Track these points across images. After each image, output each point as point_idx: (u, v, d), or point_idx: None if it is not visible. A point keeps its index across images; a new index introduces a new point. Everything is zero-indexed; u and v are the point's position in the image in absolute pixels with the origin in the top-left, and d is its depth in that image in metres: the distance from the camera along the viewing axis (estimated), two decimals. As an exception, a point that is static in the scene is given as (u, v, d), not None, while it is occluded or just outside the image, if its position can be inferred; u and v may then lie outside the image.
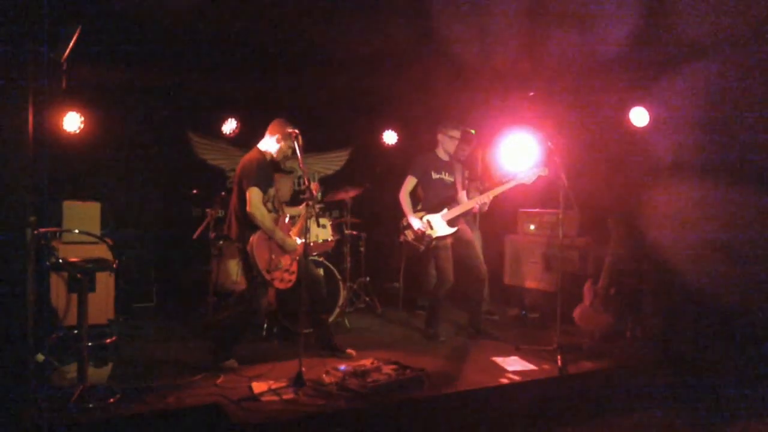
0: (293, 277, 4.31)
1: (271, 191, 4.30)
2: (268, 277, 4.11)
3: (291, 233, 4.43)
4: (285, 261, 4.25)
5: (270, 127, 4.36)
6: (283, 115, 4.41)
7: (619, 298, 5.23)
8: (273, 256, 4.15)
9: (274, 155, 4.35)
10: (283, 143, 4.31)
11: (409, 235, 5.19)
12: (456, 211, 5.18)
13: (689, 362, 4.73)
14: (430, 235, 5.09)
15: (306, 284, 4.18)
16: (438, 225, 5.13)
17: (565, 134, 5.76)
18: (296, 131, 4.19)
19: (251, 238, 4.09)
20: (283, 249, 4.23)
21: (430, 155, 5.35)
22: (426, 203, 5.26)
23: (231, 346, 4.28)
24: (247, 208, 4.06)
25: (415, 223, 5.12)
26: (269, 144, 4.34)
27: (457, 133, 5.29)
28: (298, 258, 4.33)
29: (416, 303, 6.38)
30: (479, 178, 6.64)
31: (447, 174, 5.29)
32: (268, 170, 4.29)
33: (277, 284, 4.21)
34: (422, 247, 5.13)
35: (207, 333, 5.04)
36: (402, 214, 5.24)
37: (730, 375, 4.57)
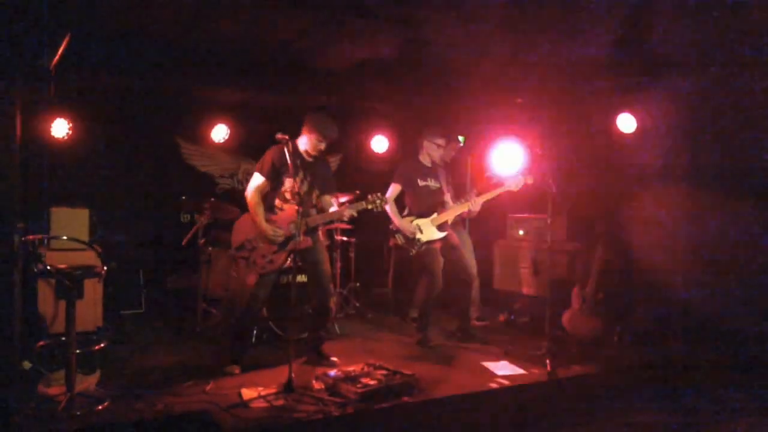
0: (270, 266, 4.29)
1: (289, 182, 4.34)
2: (236, 254, 4.31)
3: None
4: (267, 248, 4.29)
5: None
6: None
7: (607, 303, 5.27)
8: (251, 238, 4.30)
9: (308, 150, 4.43)
10: (307, 134, 4.43)
11: (399, 239, 5.20)
12: (446, 215, 5.20)
13: (677, 366, 4.78)
14: (420, 240, 5.11)
15: (312, 288, 4.44)
16: (428, 229, 5.15)
17: (552, 140, 5.82)
18: (287, 137, 4.19)
19: (241, 216, 4.40)
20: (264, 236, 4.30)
21: (414, 162, 5.36)
22: (413, 209, 5.27)
23: (238, 352, 4.33)
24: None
25: (405, 227, 5.14)
26: (302, 139, 4.47)
27: (442, 141, 5.31)
28: (283, 250, 4.30)
29: (408, 315, 6.27)
30: (470, 184, 6.67)
31: (432, 180, 5.30)
32: (279, 160, 4.32)
33: (253, 268, 4.29)
34: (413, 251, 5.15)
35: (218, 335, 5.09)
36: (390, 220, 5.26)
37: (718, 378, 4.62)
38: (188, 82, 6.00)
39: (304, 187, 4.39)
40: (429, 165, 5.36)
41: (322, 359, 4.51)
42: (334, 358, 4.52)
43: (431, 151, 5.31)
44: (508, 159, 5.92)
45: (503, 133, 6.31)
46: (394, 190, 5.25)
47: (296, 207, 4.23)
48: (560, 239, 6.01)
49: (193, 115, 6.63)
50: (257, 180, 4.34)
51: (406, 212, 5.29)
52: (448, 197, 5.35)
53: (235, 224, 4.42)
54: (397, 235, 5.22)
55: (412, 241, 5.12)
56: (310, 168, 4.46)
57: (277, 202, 4.40)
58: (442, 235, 5.16)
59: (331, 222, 5.84)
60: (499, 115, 6.66)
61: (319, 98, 6.69)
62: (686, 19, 4.21)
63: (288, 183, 4.36)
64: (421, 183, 5.26)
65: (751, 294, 5.00)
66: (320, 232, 5.64)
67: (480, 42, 4.81)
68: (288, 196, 4.37)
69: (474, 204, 5.16)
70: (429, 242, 5.13)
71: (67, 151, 5.83)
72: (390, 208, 5.19)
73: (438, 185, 5.32)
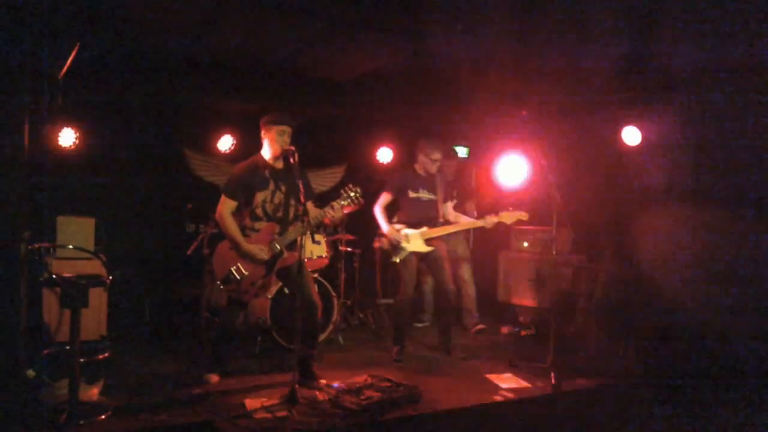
0: (262, 292, 4.23)
1: (261, 196, 4.17)
2: (223, 287, 4.13)
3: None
4: (255, 273, 4.13)
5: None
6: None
7: (612, 316, 5.24)
8: (234, 268, 4.09)
9: (272, 153, 4.26)
10: (266, 135, 4.25)
11: (384, 243, 5.16)
12: (438, 231, 5.10)
13: (683, 379, 4.74)
14: (404, 248, 5.02)
15: (300, 304, 4.00)
16: (415, 241, 5.04)
17: (557, 152, 5.82)
18: (293, 148, 4.18)
19: (218, 246, 4.16)
20: (250, 259, 4.10)
21: (408, 172, 5.25)
22: (401, 218, 5.18)
23: (215, 362, 4.28)
24: (216, 214, 4.14)
25: (391, 234, 5.04)
26: (264, 147, 4.31)
27: (438, 155, 5.11)
28: (272, 272, 4.20)
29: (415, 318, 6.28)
30: (474, 195, 6.68)
31: (425, 191, 5.16)
32: (250, 176, 4.19)
33: (245, 297, 4.18)
34: (396, 258, 5.04)
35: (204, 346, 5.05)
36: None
37: (722, 393, 4.58)
38: (196, 92, 6.04)
39: (277, 199, 4.21)
40: (425, 175, 5.20)
41: (309, 380, 4.15)
42: (322, 381, 4.13)
43: (427, 166, 5.14)
44: (513, 170, 5.95)
45: (508, 144, 6.33)
46: (384, 198, 5.16)
47: (272, 224, 4.17)
48: (565, 251, 6.00)
49: (201, 126, 6.66)
50: (226, 203, 4.12)
51: (395, 219, 5.20)
52: (444, 208, 5.24)
53: (214, 257, 4.19)
54: (382, 239, 5.19)
55: (396, 248, 5.04)
56: (282, 178, 4.23)
57: (248, 221, 4.19)
58: (428, 249, 5.04)
59: (323, 229, 5.82)
60: (505, 126, 6.68)
61: (325, 109, 6.73)
62: (690, 40, 4.24)
63: (259, 197, 4.17)
64: (411, 194, 5.13)
65: (757, 308, 4.97)
66: (324, 244, 5.67)
67: (486, 54, 4.83)
68: (259, 212, 4.18)
69: (488, 223, 5.03)
70: (412, 253, 5.05)
71: (74, 160, 5.86)
72: (378, 215, 5.11)
73: (432, 197, 5.17)
